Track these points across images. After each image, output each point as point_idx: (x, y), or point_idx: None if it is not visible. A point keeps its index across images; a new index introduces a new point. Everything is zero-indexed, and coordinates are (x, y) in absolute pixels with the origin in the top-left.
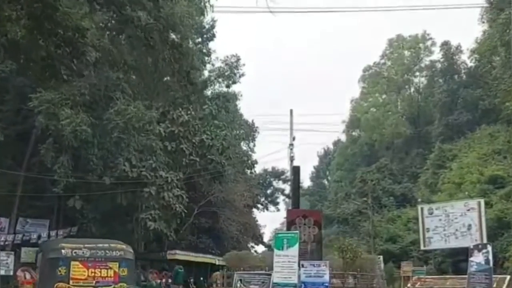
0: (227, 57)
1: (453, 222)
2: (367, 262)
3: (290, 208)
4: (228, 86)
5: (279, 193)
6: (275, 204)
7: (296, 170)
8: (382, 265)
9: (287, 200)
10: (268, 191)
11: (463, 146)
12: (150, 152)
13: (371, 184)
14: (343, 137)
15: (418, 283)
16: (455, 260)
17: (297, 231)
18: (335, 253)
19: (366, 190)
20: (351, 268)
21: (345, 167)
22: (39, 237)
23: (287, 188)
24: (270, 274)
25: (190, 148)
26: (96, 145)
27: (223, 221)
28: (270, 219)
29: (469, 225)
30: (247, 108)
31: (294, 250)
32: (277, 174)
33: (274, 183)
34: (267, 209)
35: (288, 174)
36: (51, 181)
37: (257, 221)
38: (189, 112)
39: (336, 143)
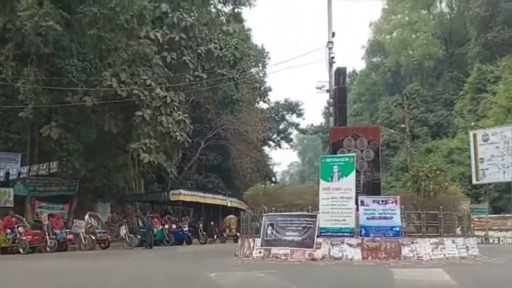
0: None
1: None
2: (451, 198)
3: (334, 126)
4: None
5: (293, 128)
6: (288, 140)
7: (341, 73)
8: None
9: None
10: (280, 127)
11: (507, 66)
12: (143, 62)
13: (407, 109)
14: (360, 67)
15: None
16: None
17: (353, 154)
18: (406, 182)
19: (394, 120)
20: (429, 206)
21: (365, 98)
22: (7, 174)
23: (301, 122)
24: (315, 216)
25: (194, 61)
26: (74, 54)
27: (234, 157)
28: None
29: None
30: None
31: (349, 181)
32: (290, 107)
33: (287, 116)
34: (279, 146)
35: (303, 107)
36: (19, 105)
37: (270, 158)
38: (192, 14)
39: (351, 74)
